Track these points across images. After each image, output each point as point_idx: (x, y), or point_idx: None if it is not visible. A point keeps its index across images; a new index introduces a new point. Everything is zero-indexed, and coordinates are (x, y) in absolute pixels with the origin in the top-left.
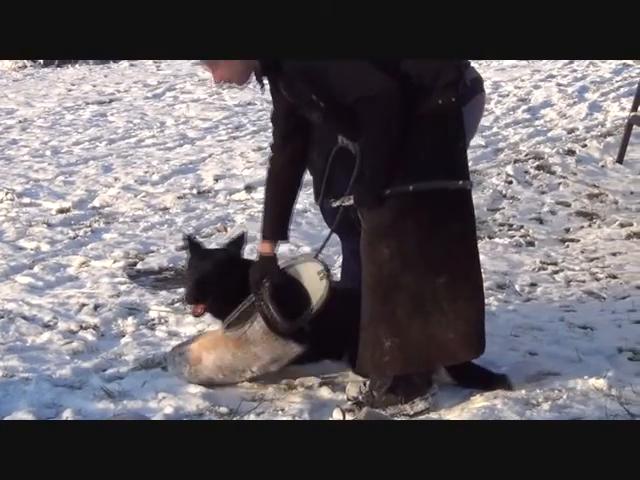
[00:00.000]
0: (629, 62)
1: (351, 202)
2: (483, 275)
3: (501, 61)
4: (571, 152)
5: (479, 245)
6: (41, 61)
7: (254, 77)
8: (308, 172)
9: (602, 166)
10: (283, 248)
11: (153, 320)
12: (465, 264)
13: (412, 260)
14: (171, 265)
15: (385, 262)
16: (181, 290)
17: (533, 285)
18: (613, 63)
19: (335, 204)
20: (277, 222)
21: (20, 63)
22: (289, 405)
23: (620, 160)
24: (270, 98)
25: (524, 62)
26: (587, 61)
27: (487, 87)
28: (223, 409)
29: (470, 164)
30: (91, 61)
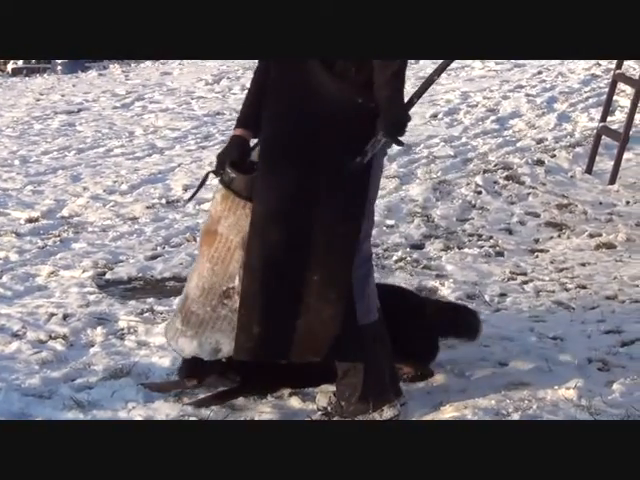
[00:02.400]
0: (597, 73)
1: (382, 141)
2: (453, 285)
3: (470, 71)
4: (540, 162)
5: (448, 255)
6: (9, 70)
7: None
8: None
9: (571, 176)
10: None
11: (122, 330)
12: (339, 266)
13: (296, 252)
14: (140, 275)
15: (272, 248)
16: (150, 300)
17: (503, 295)
18: (582, 74)
19: (367, 158)
20: (251, 114)
21: None
22: (259, 415)
23: (589, 170)
24: (239, 108)
25: (493, 72)
26: (556, 72)
27: (456, 97)
28: (192, 418)
29: (439, 174)
30: (60, 70)
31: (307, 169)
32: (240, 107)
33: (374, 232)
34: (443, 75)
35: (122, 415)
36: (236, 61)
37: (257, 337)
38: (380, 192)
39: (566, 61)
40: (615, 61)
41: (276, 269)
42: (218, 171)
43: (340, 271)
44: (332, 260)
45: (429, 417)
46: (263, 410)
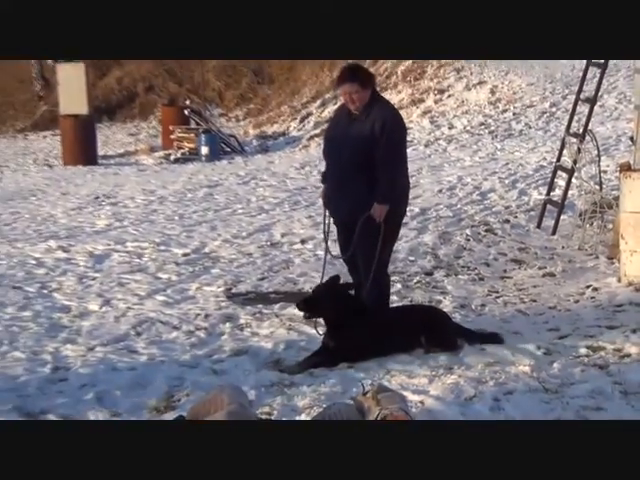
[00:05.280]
0: (544, 164)
1: None
2: (451, 299)
3: (463, 163)
4: (507, 221)
5: (448, 280)
6: (172, 158)
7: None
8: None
9: (527, 230)
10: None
11: (242, 324)
12: None
13: None
14: (253, 290)
15: None
16: (260, 306)
17: (483, 305)
18: (534, 164)
19: None
20: None
21: (159, 160)
22: (328, 380)
23: (539, 226)
24: (317, 185)
25: (477, 163)
26: (517, 163)
27: (454, 179)
28: (287, 382)
29: (443, 227)
30: (204, 159)
31: None
32: (318, 185)
33: (401, 264)
34: (445, 164)
35: (241, 379)
36: (315, 153)
37: None
38: (405, 239)
39: (525, 156)
40: (556, 155)
41: None
42: None
43: None
44: None
45: (435, 383)
46: (331, 377)
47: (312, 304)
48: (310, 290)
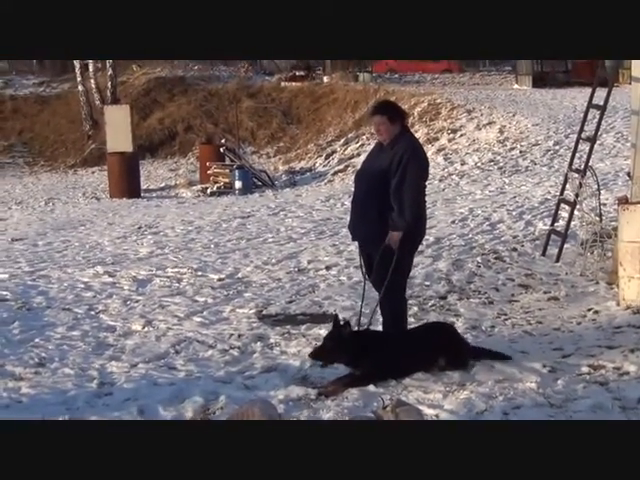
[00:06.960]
0: (548, 197)
1: None
2: (463, 320)
3: (474, 196)
4: (515, 249)
5: (461, 303)
6: (208, 192)
7: None
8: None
9: (533, 258)
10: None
11: (272, 344)
12: None
13: None
14: (282, 312)
15: None
16: (288, 326)
17: (492, 327)
18: (539, 197)
19: None
20: None
21: (196, 193)
22: (351, 395)
23: (544, 254)
24: (340, 216)
25: (487, 196)
26: (524, 196)
27: (466, 211)
28: (312, 396)
29: (455, 255)
30: (237, 193)
31: None
32: (342, 216)
33: (417, 288)
34: (458, 197)
35: (272, 393)
36: (339, 187)
37: None
38: (421, 265)
39: (531, 190)
40: (559, 189)
41: None
42: None
43: None
44: None
45: (449, 398)
46: (353, 392)
47: (324, 354)
48: (334, 312)
